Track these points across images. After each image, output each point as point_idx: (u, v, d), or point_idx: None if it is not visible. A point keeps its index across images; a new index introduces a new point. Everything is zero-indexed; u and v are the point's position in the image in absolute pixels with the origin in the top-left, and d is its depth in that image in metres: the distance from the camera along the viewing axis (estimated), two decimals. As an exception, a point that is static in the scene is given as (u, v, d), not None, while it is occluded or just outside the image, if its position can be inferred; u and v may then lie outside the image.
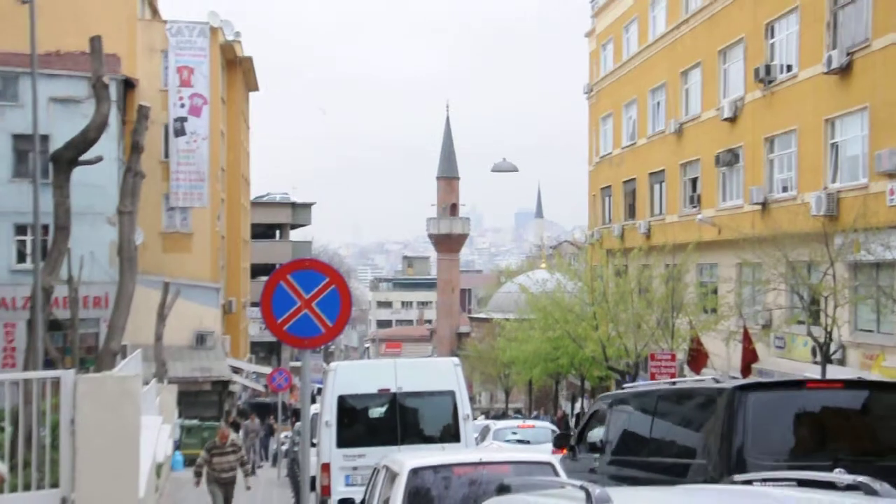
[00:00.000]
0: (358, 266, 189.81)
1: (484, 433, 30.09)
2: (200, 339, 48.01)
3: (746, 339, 32.03)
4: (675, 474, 12.69)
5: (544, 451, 18.53)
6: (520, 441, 29.50)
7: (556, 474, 10.00)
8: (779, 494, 5.35)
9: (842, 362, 28.80)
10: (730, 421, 11.97)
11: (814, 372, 27.36)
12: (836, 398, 13.25)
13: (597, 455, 15.40)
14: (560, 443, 19.58)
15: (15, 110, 41.51)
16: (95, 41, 19.52)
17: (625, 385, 28.18)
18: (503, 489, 6.00)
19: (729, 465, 11.66)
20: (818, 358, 27.21)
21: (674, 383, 16.72)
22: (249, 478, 17.11)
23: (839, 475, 6.15)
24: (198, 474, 17.06)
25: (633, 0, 47.64)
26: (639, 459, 14.18)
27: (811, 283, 28.07)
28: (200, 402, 45.52)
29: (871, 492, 5.06)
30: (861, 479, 5.53)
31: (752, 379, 21.09)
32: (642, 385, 20.36)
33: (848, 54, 29.27)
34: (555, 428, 33.60)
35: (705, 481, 11.74)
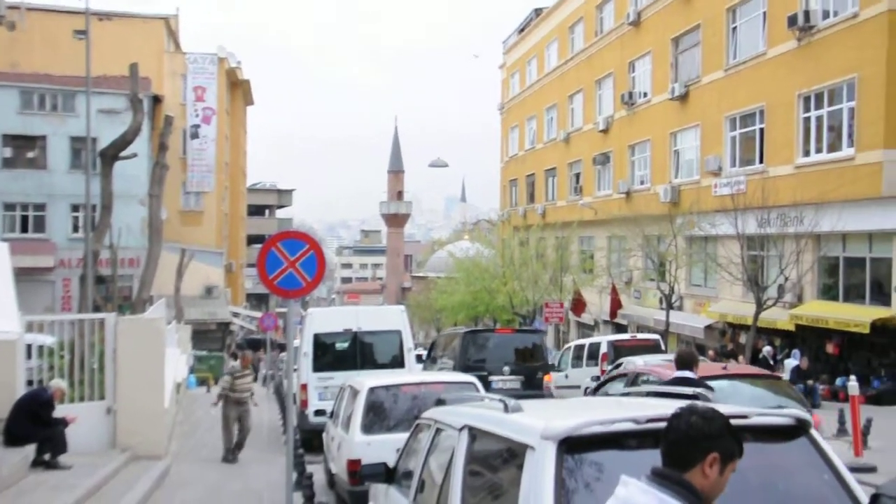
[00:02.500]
0: (327, 237, 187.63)
1: None
2: (208, 291, 47.38)
3: (614, 291, 32.47)
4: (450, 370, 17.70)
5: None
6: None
7: (478, 391, 9.94)
8: (634, 401, 5.41)
9: (680, 308, 29.34)
10: (462, 346, 18.16)
11: (661, 315, 27.94)
12: (510, 337, 19.42)
13: (434, 364, 20.33)
14: (419, 360, 23.84)
15: (72, 118, 41.57)
16: (133, 67, 19.29)
17: (447, 329, 33.72)
18: (440, 402, 5.98)
19: (461, 366, 17.20)
20: (664, 305, 27.66)
21: (455, 329, 23.12)
22: (254, 396, 16.39)
23: (679, 389, 6.26)
24: (221, 397, 15.67)
25: (533, 42, 47.68)
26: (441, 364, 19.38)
27: (660, 251, 28.54)
28: (208, 338, 44.97)
29: (705, 399, 5.16)
30: (699, 391, 5.64)
31: (473, 328, 24.76)
32: (448, 330, 29.09)
33: (685, 86, 29.69)
34: None
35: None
